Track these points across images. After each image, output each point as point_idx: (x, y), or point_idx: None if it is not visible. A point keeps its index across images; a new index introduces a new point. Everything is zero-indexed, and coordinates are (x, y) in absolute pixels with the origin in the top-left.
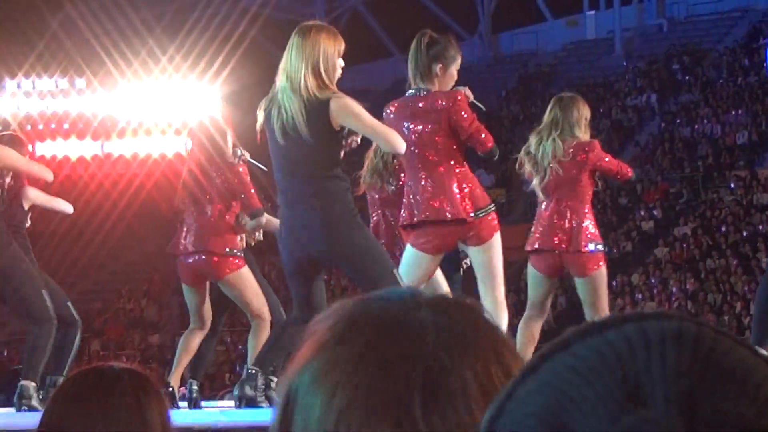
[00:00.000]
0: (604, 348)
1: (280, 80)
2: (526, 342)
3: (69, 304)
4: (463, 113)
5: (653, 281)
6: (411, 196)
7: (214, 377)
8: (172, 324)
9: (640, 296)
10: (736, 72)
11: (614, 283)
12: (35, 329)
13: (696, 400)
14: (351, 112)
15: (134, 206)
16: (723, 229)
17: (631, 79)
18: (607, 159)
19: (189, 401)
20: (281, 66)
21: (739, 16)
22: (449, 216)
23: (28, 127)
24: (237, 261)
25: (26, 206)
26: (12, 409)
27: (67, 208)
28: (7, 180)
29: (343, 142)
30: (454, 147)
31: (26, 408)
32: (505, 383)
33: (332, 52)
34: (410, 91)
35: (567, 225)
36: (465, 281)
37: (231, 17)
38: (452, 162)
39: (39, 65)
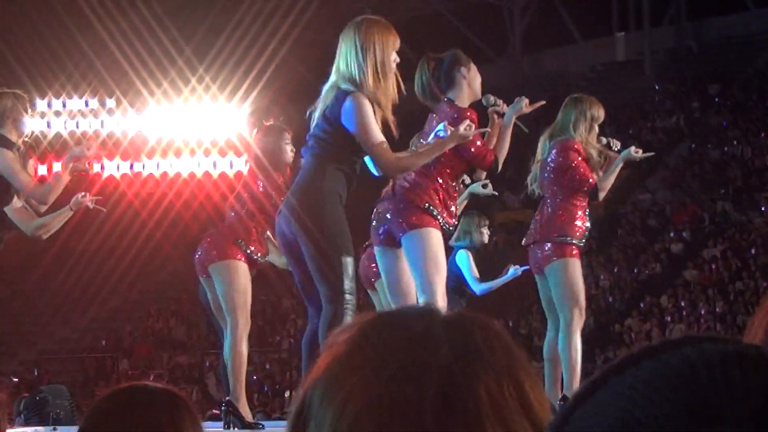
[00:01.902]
0: (665, 370)
1: (332, 76)
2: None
3: None
4: None
5: (682, 303)
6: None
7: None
8: (200, 344)
9: (668, 318)
10: (766, 94)
11: (642, 305)
12: None
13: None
14: (358, 113)
15: (163, 225)
16: (752, 251)
17: (660, 101)
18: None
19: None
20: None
21: None
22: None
23: (58, 147)
24: (239, 254)
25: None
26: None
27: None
28: None
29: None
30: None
31: None
32: (518, 399)
33: (387, 47)
34: None
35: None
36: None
37: (260, 37)
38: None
39: (69, 85)
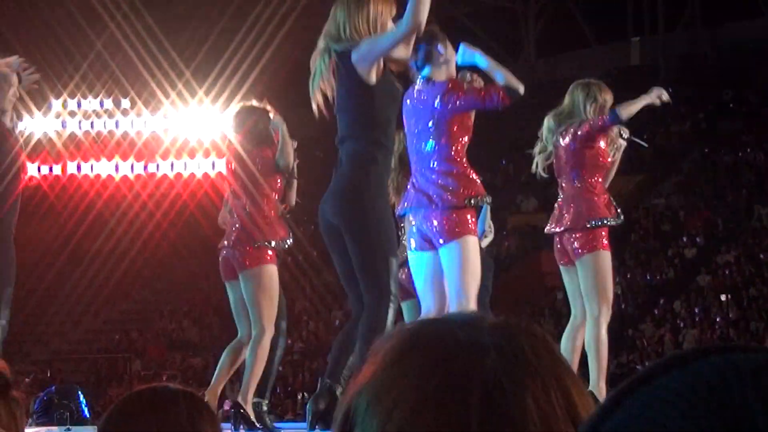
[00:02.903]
0: (694, 380)
1: (320, 44)
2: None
3: None
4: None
5: (695, 309)
6: None
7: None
8: (213, 345)
9: (681, 324)
10: None
11: (656, 311)
12: None
13: None
14: (364, 45)
15: (177, 226)
16: (764, 256)
17: (674, 106)
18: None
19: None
20: (324, 30)
21: None
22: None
23: (73, 147)
24: (267, 255)
25: None
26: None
27: None
28: None
29: (386, 100)
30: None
31: None
32: (565, 407)
33: (382, 13)
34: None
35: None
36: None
37: (275, 39)
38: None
39: (84, 85)
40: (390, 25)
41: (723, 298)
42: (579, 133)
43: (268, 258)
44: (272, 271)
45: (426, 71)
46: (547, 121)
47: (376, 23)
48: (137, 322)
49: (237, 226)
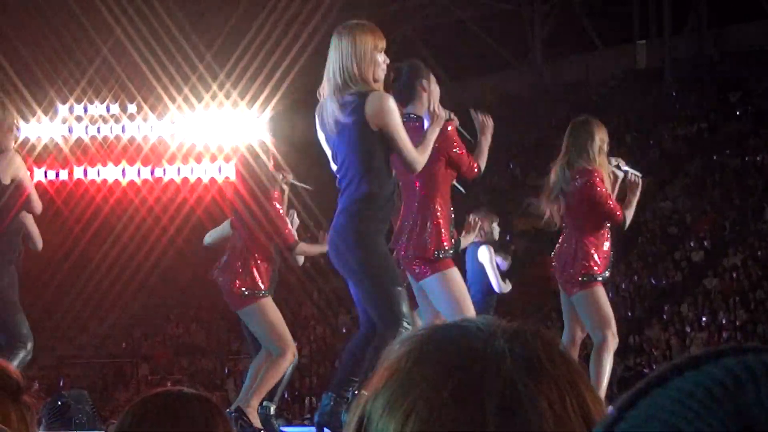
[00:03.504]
0: (708, 381)
1: (325, 88)
2: None
3: None
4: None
5: (703, 312)
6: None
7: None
8: (220, 349)
9: (689, 327)
10: None
11: (663, 314)
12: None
13: None
14: (389, 113)
15: (184, 231)
16: None
17: (681, 109)
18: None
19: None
20: (325, 72)
21: None
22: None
23: (80, 152)
24: (263, 286)
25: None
26: None
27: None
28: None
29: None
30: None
31: None
32: (580, 413)
33: (369, 47)
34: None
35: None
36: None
37: (282, 42)
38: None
39: (90, 90)
40: (381, 58)
41: (730, 301)
42: (582, 188)
43: (260, 298)
44: (267, 302)
45: (409, 108)
46: (561, 172)
47: (366, 59)
48: (144, 327)
49: (228, 258)
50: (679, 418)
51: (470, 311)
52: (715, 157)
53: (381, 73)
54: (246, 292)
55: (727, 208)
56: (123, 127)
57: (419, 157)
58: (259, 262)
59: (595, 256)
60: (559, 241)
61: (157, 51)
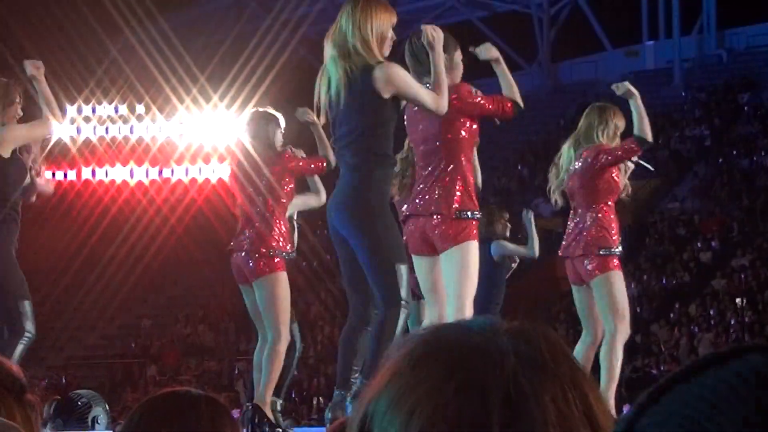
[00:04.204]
0: (732, 378)
1: (327, 50)
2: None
3: None
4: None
5: (711, 313)
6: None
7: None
8: (228, 350)
9: (696, 328)
10: None
11: (671, 315)
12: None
13: None
14: (397, 77)
15: (192, 231)
16: None
17: (689, 110)
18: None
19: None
20: (329, 35)
21: None
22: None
23: (88, 153)
24: (281, 264)
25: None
26: None
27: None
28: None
29: (393, 114)
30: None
31: None
32: (583, 411)
33: (384, 23)
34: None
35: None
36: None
37: (290, 44)
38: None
39: (99, 91)
40: (390, 34)
41: (738, 301)
42: (595, 161)
43: (280, 266)
44: (284, 278)
45: (425, 79)
46: (568, 151)
47: (378, 33)
48: (152, 327)
49: (250, 231)
50: (701, 415)
51: (473, 290)
52: (723, 159)
53: (388, 49)
54: (272, 253)
55: (735, 209)
56: (131, 128)
57: (439, 99)
58: (281, 222)
59: (610, 229)
60: (569, 230)
61: (165, 51)
